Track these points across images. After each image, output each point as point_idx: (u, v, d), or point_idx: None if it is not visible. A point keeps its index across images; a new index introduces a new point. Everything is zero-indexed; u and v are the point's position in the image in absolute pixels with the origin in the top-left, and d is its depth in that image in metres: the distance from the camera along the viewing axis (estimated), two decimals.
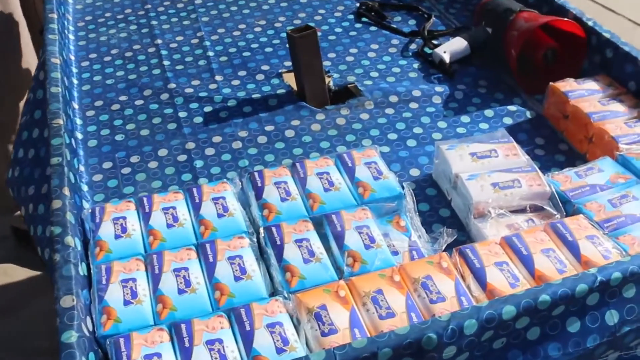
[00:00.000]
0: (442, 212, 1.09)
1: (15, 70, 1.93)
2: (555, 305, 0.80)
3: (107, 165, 1.19)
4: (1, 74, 1.89)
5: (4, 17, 1.86)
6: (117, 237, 0.96)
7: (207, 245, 0.94)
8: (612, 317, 0.83)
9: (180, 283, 0.90)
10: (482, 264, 0.90)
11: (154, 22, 1.59)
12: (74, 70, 1.43)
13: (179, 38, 1.53)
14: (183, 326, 0.84)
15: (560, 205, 1.02)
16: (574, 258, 0.91)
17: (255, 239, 0.97)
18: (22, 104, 1.83)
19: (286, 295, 0.88)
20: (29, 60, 1.93)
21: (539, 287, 0.80)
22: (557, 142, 1.23)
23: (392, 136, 1.24)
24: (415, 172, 1.16)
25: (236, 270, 0.91)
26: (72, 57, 1.46)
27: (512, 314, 0.77)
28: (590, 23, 1.33)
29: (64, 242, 0.89)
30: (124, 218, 0.99)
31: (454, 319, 0.76)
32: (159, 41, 1.52)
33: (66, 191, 0.98)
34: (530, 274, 0.89)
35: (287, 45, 1.31)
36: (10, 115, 1.92)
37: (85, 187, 1.14)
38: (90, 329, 0.83)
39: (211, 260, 0.92)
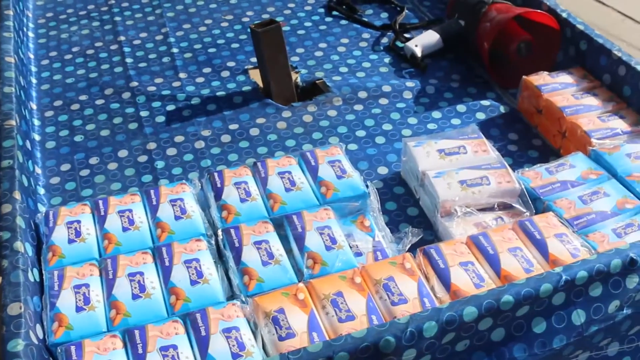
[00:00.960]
0: (409, 211, 1.06)
1: None
2: (519, 306, 0.77)
3: (65, 167, 1.15)
4: None
5: None
6: (70, 241, 0.93)
7: (164, 249, 0.91)
8: (578, 316, 0.81)
9: (135, 288, 0.87)
10: (447, 264, 0.87)
11: (117, 18, 1.55)
12: (33, 69, 1.39)
13: (143, 34, 1.49)
14: (137, 332, 0.81)
15: (530, 202, 1.00)
16: (541, 257, 0.89)
17: (213, 242, 0.93)
18: None
19: (244, 299, 0.85)
20: None
21: (502, 287, 0.77)
22: (531, 137, 1.21)
23: (360, 133, 1.21)
24: (383, 170, 1.13)
25: (192, 274, 0.88)
26: (32, 56, 1.42)
27: (474, 316, 0.75)
28: (564, 15, 1.30)
29: (12, 248, 0.86)
30: (79, 222, 0.96)
31: (413, 322, 0.73)
32: (122, 38, 1.48)
33: (17, 195, 0.94)
34: (496, 274, 0.87)
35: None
36: None
37: (42, 191, 1.10)
38: (41, 337, 0.80)
39: (167, 264, 0.89)
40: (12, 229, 0.89)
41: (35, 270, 0.89)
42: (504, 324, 0.78)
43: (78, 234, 0.94)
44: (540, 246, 0.90)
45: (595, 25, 1.33)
